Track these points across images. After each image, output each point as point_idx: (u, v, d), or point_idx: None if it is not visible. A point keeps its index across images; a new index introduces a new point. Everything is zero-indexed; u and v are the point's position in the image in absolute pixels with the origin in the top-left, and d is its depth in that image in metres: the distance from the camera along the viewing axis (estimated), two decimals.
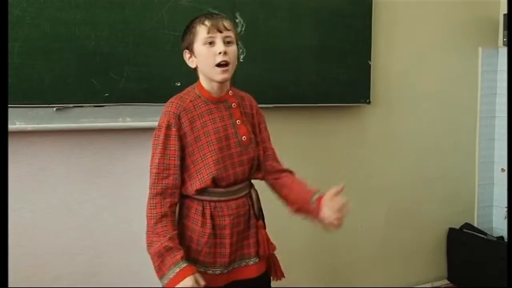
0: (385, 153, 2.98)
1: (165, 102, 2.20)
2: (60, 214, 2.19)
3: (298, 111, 2.63)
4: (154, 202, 1.58)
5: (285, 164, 1.83)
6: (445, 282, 3.24)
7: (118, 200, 2.28)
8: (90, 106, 2.11)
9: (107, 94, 2.13)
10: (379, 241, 3.01)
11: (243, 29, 2.36)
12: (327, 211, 1.62)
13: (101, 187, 2.25)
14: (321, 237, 2.83)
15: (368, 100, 2.77)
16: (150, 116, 2.21)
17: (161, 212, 1.57)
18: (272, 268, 1.78)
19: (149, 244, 1.57)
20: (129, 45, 2.14)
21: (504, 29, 3.15)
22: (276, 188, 1.79)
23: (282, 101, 2.53)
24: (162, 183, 1.58)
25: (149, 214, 1.58)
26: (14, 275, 2.06)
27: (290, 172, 1.81)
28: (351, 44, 2.67)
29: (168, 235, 1.55)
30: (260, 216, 1.76)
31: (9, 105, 1.89)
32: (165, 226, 1.56)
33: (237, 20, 2.35)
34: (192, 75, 2.28)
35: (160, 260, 1.54)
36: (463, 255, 3.14)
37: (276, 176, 1.78)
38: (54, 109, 2.06)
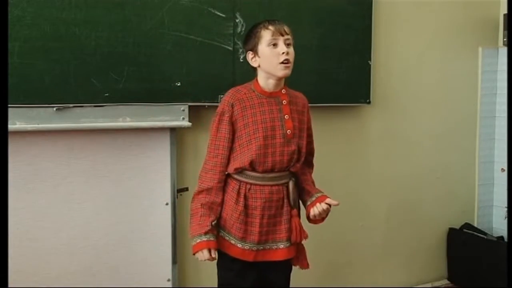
0: (385, 153, 2.97)
1: (165, 102, 2.26)
2: (60, 214, 2.19)
3: None
4: (204, 175, 1.83)
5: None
6: (445, 282, 3.24)
7: (118, 200, 2.28)
8: (90, 106, 2.11)
9: (107, 94, 2.13)
10: (379, 241, 3.01)
11: (243, 29, 2.35)
12: (314, 211, 1.89)
13: (101, 187, 2.25)
14: (321, 236, 2.83)
15: (368, 100, 2.77)
16: (150, 116, 2.22)
17: (207, 186, 1.81)
18: (299, 257, 1.92)
19: (192, 204, 1.83)
20: (129, 45, 2.14)
21: (504, 29, 3.15)
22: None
23: None
24: (212, 161, 1.82)
25: (199, 183, 1.84)
26: (14, 275, 2.06)
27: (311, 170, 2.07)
28: (351, 44, 2.67)
29: (207, 205, 1.80)
30: (295, 205, 1.90)
31: (9, 105, 1.89)
32: (207, 196, 1.81)
33: (237, 20, 2.35)
34: (192, 75, 2.31)
35: (193, 221, 1.80)
36: (463, 255, 3.13)
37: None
38: (54, 109, 2.06)
